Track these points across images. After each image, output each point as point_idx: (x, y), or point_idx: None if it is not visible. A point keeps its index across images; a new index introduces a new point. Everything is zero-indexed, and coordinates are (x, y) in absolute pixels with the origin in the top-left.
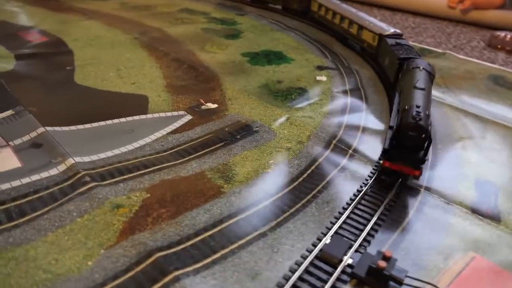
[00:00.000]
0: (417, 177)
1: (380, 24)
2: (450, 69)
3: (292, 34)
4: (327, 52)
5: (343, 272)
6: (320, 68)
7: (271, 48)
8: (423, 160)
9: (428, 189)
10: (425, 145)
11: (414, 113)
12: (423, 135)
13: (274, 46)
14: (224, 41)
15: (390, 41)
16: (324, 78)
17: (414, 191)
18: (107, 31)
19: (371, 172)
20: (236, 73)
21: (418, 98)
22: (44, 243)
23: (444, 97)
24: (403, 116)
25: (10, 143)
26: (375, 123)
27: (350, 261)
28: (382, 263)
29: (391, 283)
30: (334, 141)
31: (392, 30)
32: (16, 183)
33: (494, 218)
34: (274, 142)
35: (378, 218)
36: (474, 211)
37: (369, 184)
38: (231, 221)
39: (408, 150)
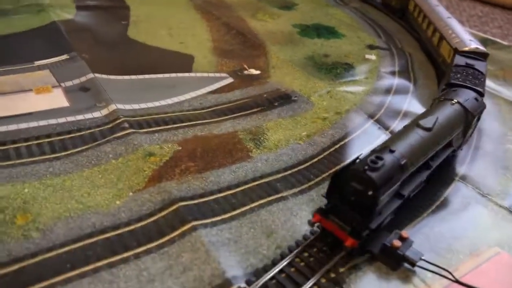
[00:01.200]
0: (348, 249)
1: (465, 36)
2: None
3: (347, 11)
4: (381, 32)
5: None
6: (371, 47)
7: (323, 22)
8: (364, 227)
9: (463, 178)
10: (372, 206)
11: (372, 158)
12: (370, 192)
13: (326, 21)
14: (276, 11)
15: (459, 60)
16: (373, 57)
17: (448, 179)
18: None
19: None
20: (283, 43)
21: (407, 141)
22: (80, 177)
23: (500, 90)
24: (360, 158)
25: (62, 84)
26: (420, 108)
27: None
28: (397, 242)
29: (405, 264)
30: (372, 120)
31: (474, 45)
32: (62, 120)
33: None
34: (311, 112)
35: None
36: (510, 206)
37: None
38: (254, 183)
39: (348, 206)
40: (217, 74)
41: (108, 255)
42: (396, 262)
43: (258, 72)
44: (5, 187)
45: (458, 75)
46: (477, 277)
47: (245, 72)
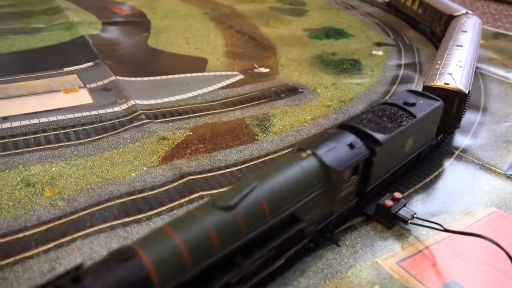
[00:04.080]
0: None
1: (448, 69)
2: None
3: (357, 15)
4: (390, 31)
5: (352, 210)
6: (379, 44)
7: (333, 25)
8: None
9: (464, 151)
10: None
11: (67, 279)
12: None
13: (336, 24)
14: (288, 18)
15: (397, 98)
16: (380, 53)
17: (447, 153)
18: (183, 6)
19: None
20: (293, 45)
21: (181, 234)
22: (100, 158)
23: (508, 76)
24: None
25: (87, 85)
26: None
27: None
28: (389, 202)
29: (399, 222)
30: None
31: (442, 82)
32: (86, 114)
33: None
34: (316, 101)
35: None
36: (509, 172)
37: None
38: (259, 160)
39: None
40: (229, 72)
41: (123, 216)
42: (390, 220)
43: (267, 70)
44: (35, 166)
45: (370, 115)
46: (473, 231)
47: (255, 70)
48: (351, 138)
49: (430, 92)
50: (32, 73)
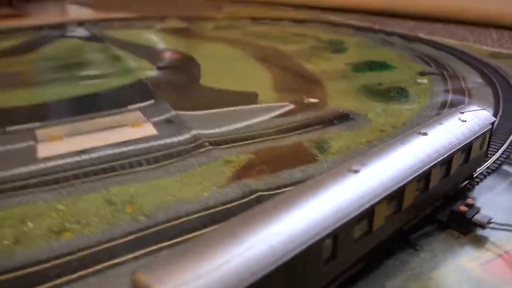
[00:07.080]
0: None
1: None
2: None
3: (397, 49)
4: (432, 62)
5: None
6: (422, 73)
7: (374, 59)
8: None
9: None
10: None
11: None
12: None
13: (377, 58)
14: (329, 55)
15: None
16: (425, 81)
17: None
18: (228, 50)
19: None
20: (338, 78)
21: None
22: (171, 179)
23: None
24: None
25: (150, 119)
26: None
27: None
28: (463, 208)
29: (475, 228)
30: None
31: None
32: (153, 143)
33: None
34: (368, 127)
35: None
36: None
37: None
38: None
39: None
40: (280, 103)
41: (201, 228)
42: (465, 226)
43: (316, 100)
44: (115, 188)
45: None
46: None
47: (304, 100)
48: None
49: None
50: (100, 112)
